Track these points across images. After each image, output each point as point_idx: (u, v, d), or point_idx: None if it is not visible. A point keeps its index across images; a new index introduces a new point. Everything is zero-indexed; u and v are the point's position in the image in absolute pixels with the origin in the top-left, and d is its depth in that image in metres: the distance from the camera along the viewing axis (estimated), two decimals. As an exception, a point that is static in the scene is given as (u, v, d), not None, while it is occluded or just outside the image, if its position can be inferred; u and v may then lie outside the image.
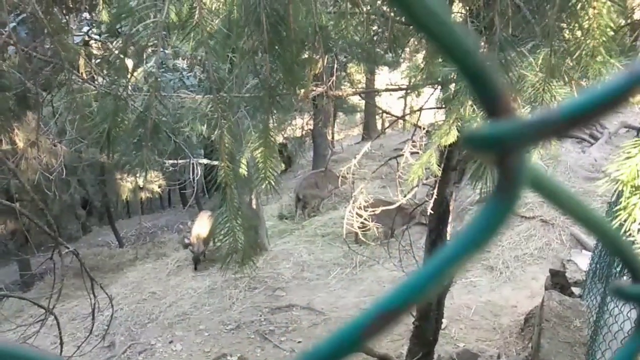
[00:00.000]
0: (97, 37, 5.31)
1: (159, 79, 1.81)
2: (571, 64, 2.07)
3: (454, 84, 2.51)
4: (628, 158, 1.96)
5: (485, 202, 0.26)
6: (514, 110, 0.25)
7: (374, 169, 6.84)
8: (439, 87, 3.09)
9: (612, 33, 1.95)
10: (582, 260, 4.97)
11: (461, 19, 2.43)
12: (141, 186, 13.14)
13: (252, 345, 6.22)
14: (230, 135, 2.06)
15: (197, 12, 1.87)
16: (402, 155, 3.92)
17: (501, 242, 7.10)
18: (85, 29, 5.70)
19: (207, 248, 8.67)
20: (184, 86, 6.87)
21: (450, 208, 3.84)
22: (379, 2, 2.90)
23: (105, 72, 3.17)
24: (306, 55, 2.46)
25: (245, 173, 2.64)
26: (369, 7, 2.83)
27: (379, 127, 15.89)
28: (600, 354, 3.06)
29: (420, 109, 4.01)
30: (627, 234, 1.76)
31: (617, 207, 1.93)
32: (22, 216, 3.99)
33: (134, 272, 9.54)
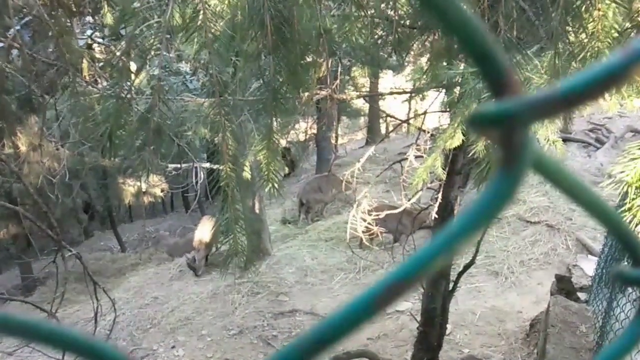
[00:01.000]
0: (100, 40, 5.31)
1: (162, 81, 1.79)
2: (576, 66, 2.06)
3: (458, 87, 2.50)
4: (633, 160, 1.94)
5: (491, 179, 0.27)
6: (520, 89, 0.25)
7: (378, 173, 6.81)
8: (444, 90, 3.07)
9: (617, 35, 1.93)
10: (588, 266, 4.93)
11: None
12: (144, 190, 13.16)
13: (255, 350, 6.19)
14: (234, 138, 2.04)
15: (200, 14, 1.85)
16: (407, 159, 3.90)
17: (506, 247, 7.06)
18: (89, 32, 5.71)
19: (210, 252, 8.65)
20: (187, 90, 6.87)
21: (455, 212, 3.81)
22: (383, 5, 2.89)
23: (108, 74, 3.17)
24: (310, 59, 2.45)
25: (249, 176, 2.62)
26: (373, 11, 2.82)
27: (383, 130, 15.86)
28: (607, 360, 3.02)
29: (425, 113, 3.99)
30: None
31: (622, 209, 1.91)
32: (24, 219, 3.99)
33: (136, 276, 9.52)
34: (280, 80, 2.12)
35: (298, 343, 0.25)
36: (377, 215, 4.40)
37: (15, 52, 3.72)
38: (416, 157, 3.83)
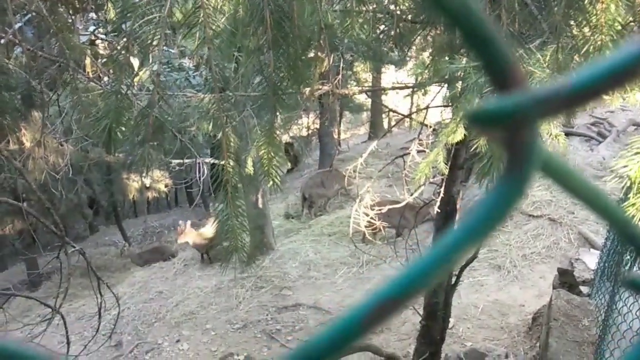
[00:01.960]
0: (103, 36, 5.32)
1: (161, 76, 1.80)
2: (579, 60, 2.05)
3: (460, 82, 2.49)
4: (637, 154, 1.93)
5: (494, 184, 0.24)
6: (525, 82, 0.23)
7: (380, 167, 6.81)
8: (446, 84, 3.06)
9: (620, 28, 1.92)
10: (591, 259, 4.93)
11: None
12: (148, 185, 13.20)
13: (259, 344, 6.22)
14: (235, 134, 2.04)
15: (201, 10, 1.86)
16: (409, 153, 3.89)
17: (509, 241, 7.05)
18: (92, 28, 5.72)
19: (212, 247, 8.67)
20: (190, 85, 6.88)
21: (458, 207, 3.82)
22: (385, -1, 2.89)
23: (110, 70, 3.18)
24: (312, 54, 2.45)
25: (252, 172, 2.63)
26: (374, 5, 2.82)
27: (386, 125, 15.85)
28: (609, 353, 3.03)
29: (427, 107, 3.98)
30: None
31: (625, 204, 1.90)
32: (29, 216, 4.01)
33: (140, 271, 9.57)
34: (281, 75, 2.13)
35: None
36: (380, 209, 4.40)
37: (18, 49, 3.73)
38: (418, 151, 3.83)
